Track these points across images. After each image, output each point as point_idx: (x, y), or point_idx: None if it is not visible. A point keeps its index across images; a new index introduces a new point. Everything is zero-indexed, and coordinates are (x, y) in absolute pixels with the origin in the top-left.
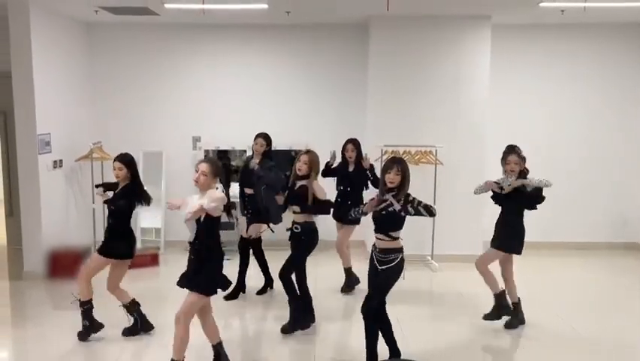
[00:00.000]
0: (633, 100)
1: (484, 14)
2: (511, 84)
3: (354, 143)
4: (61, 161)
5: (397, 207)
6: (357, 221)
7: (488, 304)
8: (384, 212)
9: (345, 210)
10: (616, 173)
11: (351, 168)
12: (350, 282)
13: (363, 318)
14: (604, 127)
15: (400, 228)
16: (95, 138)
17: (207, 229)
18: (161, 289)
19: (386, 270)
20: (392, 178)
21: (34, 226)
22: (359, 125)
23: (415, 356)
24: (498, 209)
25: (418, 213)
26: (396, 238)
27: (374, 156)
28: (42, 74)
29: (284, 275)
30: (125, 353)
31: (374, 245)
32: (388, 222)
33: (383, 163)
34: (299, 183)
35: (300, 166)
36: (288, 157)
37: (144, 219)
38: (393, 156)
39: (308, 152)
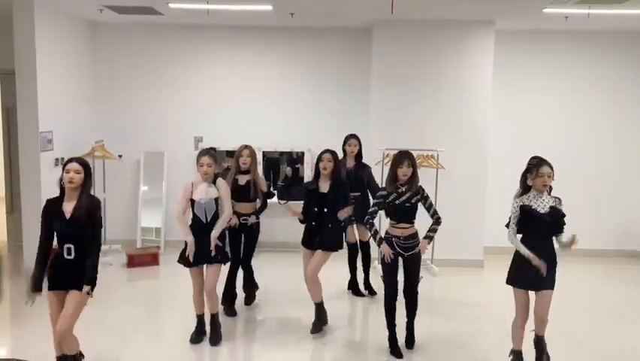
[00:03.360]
0: (637, 108)
1: (488, 19)
2: (514, 89)
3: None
4: (62, 159)
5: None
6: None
7: (489, 309)
8: (407, 204)
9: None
10: (620, 180)
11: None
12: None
13: (413, 300)
14: (607, 133)
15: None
16: (97, 136)
17: None
18: (160, 288)
19: (416, 254)
20: (405, 171)
21: (35, 222)
22: (361, 128)
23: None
24: (502, 212)
25: (429, 209)
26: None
27: (375, 159)
28: (46, 72)
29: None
30: (126, 348)
31: (393, 236)
32: (411, 212)
33: (385, 165)
34: (244, 178)
35: (245, 160)
36: (290, 159)
37: (144, 219)
38: (399, 150)
39: (247, 146)
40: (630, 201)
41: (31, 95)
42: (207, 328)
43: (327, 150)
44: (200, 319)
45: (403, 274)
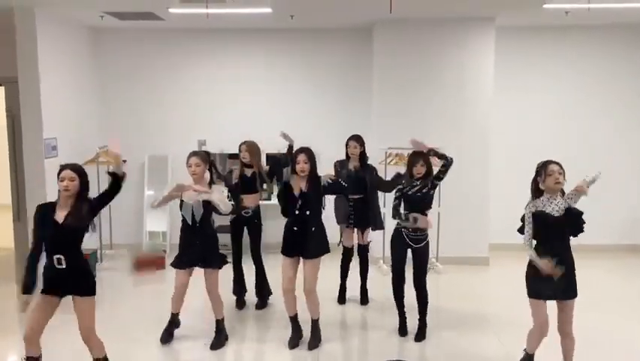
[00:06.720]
0: (639, 101)
1: (489, 16)
2: (516, 86)
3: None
4: None
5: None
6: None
7: (494, 307)
8: (419, 193)
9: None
10: (624, 175)
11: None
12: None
13: (422, 292)
14: (610, 128)
15: (431, 206)
16: (101, 142)
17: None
18: (167, 292)
19: (423, 246)
20: (419, 170)
21: None
22: (364, 128)
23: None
24: (506, 209)
25: (443, 174)
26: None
27: (378, 158)
28: (48, 79)
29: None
30: (131, 352)
31: (403, 227)
32: (425, 203)
33: (388, 164)
34: (250, 171)
35: (244, 155)
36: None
37: (150, 223)
38: (414, 151)
39: (244, 142)
40: (635, 195)
41: (34, 103)
42: (207, 332)
43: (302, 150)
44: (174, 318)
45: (412, 267)
